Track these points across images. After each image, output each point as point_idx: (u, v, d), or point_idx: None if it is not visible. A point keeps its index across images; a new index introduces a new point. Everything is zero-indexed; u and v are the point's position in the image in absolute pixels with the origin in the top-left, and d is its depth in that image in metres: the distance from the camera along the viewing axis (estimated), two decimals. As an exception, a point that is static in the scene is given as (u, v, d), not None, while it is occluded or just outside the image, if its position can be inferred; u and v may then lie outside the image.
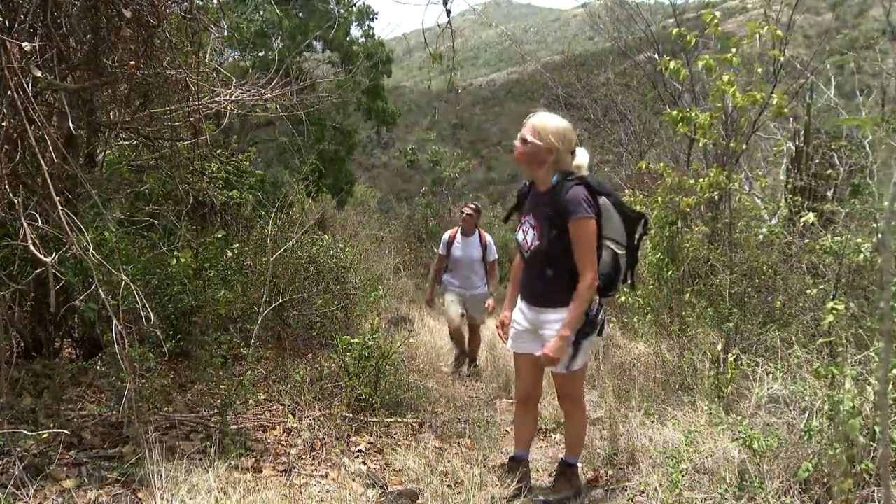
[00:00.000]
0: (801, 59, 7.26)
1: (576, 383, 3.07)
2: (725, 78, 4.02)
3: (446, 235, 6.22)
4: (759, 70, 4.67)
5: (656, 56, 7.91)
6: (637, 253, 3.00)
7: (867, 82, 8.03)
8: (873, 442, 2.52)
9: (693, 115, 4.16)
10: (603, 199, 2.83)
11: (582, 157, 2.86)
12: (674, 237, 5.07)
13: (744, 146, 5.36)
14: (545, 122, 2.79)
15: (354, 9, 14.83)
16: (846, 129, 6.58)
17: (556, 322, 2.84)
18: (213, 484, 2.76)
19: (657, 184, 5.27)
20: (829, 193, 5.85)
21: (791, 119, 6.95)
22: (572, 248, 2.75)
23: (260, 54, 12.25)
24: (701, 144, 4.82)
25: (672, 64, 4.42)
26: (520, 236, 2.95)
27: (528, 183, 3.00)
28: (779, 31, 4.09)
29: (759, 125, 5.80)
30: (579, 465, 3.28)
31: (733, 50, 4.02)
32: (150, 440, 2.99)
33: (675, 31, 4.66)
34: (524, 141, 2.81)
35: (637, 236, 2.97)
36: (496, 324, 3.32)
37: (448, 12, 3.71)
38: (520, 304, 3.10)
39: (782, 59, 5.01)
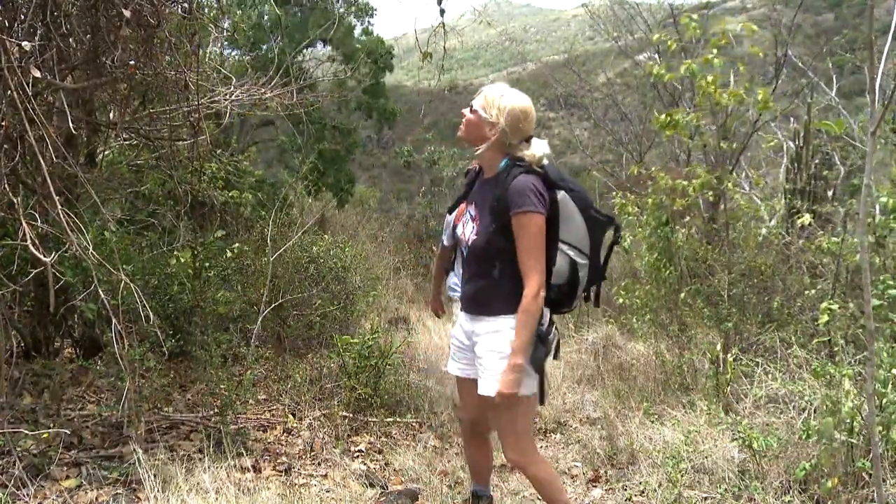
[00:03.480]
0: (801, 59, 7.26)
1: (520, 418, 2.39)
2: (710, 78, 4.03)
3: (450, 217, 3.91)
4: (742, 69, 4.69)
5: (657, 56, 7.91)
6: (605, 265, 2.47)
7: (868, 82, 8.01)
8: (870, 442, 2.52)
9: (679, 117, 4.17)
10: (562, 195, 2.33)
11: (538, 148, 2.38)
12: (668, 237, 5.06)
13: (734, 145, 5.37)
14: (497, 94, 2.36)
15: (353, 7, 14.81)
16: (847, 129, 6.58)
17: (488, 334, 2.36)
18: (213, 484, 2.76)
19: (650, 186, 5.27)
20: (830, 194, 5.85)
21: (792, 119, 6.96)
22: (516, 245, 2.29)
23: (261, 51, 12.24)
24: (691, 146, 4.83)
25: (656, 69, 4.45)
26: (459, 229, 2.52)
27: (478, 168, 2.56)
28: (753, 27, 4.09)
29: (760, 125, 5.81)
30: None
31: (714, 51, 4.05)
32: (149, 440, 2.99)
33: (655, 37, 4.70)
34: (471, 110, 2.40)
35: (606, 245, 2.46)
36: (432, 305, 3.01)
37: (442, 11, 3.69)
38: (459, 314, 2.62)
39: (762, 55, 5.01)
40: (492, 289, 2.37)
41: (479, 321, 2.42)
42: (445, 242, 4.06)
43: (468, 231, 2.43)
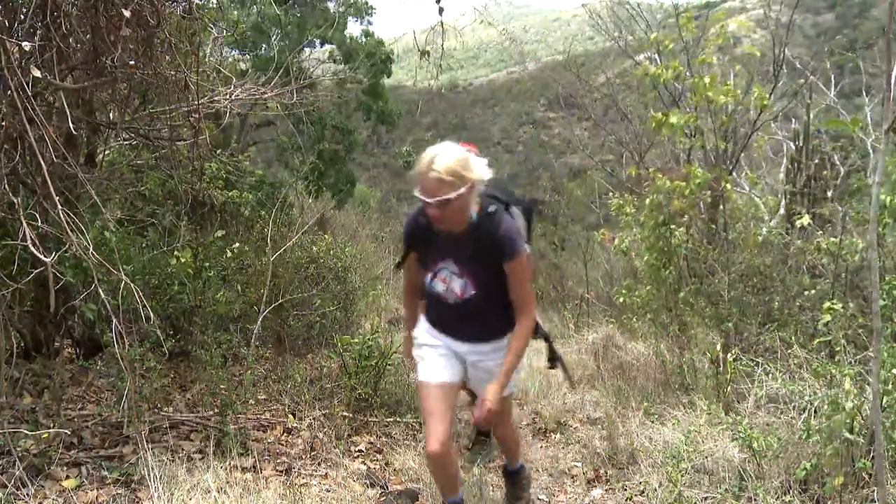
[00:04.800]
0: (801, 59, 7.26)
1: (510, 404, 2.84)
2: (707, 80, 4.04)
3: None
4: (737, 67, 4.72)
5: (657, 57, 7.91)
6: (531, 234, 2.70)
7: (869, 82, 8.03)
8: (872, 441, 2.52)
9: (675, 118, 4.18)
10: (514, 210, 2.53)
11: (484, 170, 2.36)
12: (667, 238, 5.05)
13: (734, 145, 5.37)
14: (449, 163, 2.24)
15: (351, 8, 14.84)
16: (847, 129, 6.56)
17: (497, 352, 2.54)
18: (213, 484, 2.76)
19: (648, 188, 5.27)
20: (830, 194, 5.85)
21: (793, 119, 6.95)
22: (509, 285, 2.43)
23: (260, 52, 12.25)
24: (689, 145, 4.84)
25: (652, 69, 4.46)
26: (439, 287, 2.49)
27: (424, 221, 2.43)
28: (750, 24, 4.13)
29: (760, 125, 5.80)
30: (527, 465, 3.18)
31: (706, 51, 4.06)
32: (150, 440, 2.99)
33: (653, 37, 4.73)
34: (446, 203, 2.24)
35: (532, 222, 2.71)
36: (405, 347, 2.82)
37: (440, 10, 3.69)
38: (433, 331, 2.65)
39: (758, 54, 5.06)
40: (495, 323, 2.54)
41: (480, 345, 2.59)
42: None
43: (457, 287, 2.46)
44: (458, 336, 2.60)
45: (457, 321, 2.57)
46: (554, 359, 2.73)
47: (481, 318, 2.52)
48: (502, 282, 2.42)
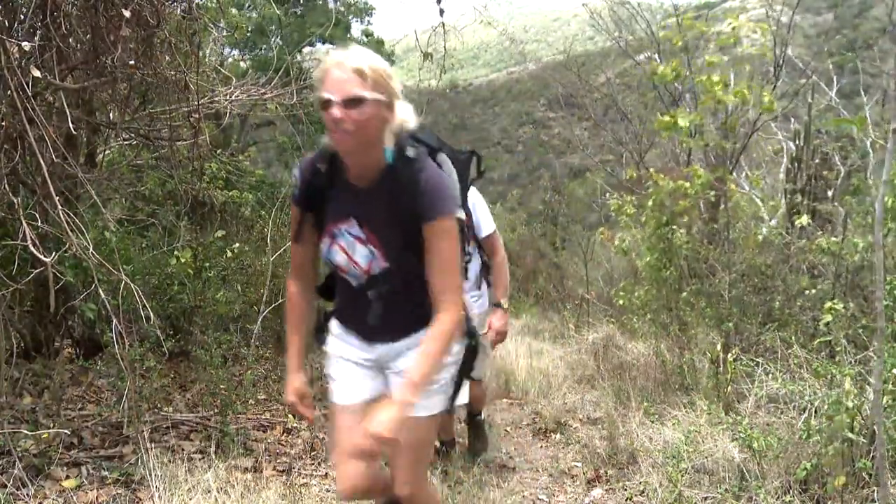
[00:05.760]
0: (801, 59, 7.27)
1: (431, 441, 1.98)
2: (715, 78, 4.03)
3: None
4: (748, 68, 4.70)
5: (657, 56, 7.91)
6: (465, 197, 2.09)
7: (869, 83, 8.03)
8: (872, 441, 2.52)
9: (681, 119, 4.17)
10: (442, 156, 1.90)
11: (406, 112, 1.80)
12: (668, 238, 5.05)
13: (736, 144, 5.37)
14: (369, 60, 1.66)
15: (352, 7, 14.85)
16: (848, 129, 6.58)
17: (413, 349, 1.82)
18: (214, 484, 2.76)
19: (650, 189, 5.27)
20: (830, 194, 5.85)
21: (793, 119, 6.96)
22: (427, 256, 1.75)
23: (260, 51, 12.29)
24: (691, 145, 4.83)
25: (661, 69, 4.45)
26: (338, 257, 1.83)
27: (321, 167, 1.83)
28: (765, 26, 4.11)
29: (760, 125, 5.80)
30: None
31: (710, 49, 4.06)
32: (150, 440, 2.99)
33: (662, 34, 4.71)
34: (358, 101, 1.62)
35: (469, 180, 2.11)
36: (290, 399, 1.92)
37: (441, 11, 3.70)
38: (344, 335, 1.98)
39: (767, 53, 5.04)
40: (412, 313, 1.85)
41: (396, 343, 1.92)
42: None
43: (361, 258, 1.82)
44: (367, 335, 1.93)
45: (363, 310, 1.89)
46: (468, 370, 1.96)
47: (396, 305, 1.86)
48: (419, 251, 1.77)
